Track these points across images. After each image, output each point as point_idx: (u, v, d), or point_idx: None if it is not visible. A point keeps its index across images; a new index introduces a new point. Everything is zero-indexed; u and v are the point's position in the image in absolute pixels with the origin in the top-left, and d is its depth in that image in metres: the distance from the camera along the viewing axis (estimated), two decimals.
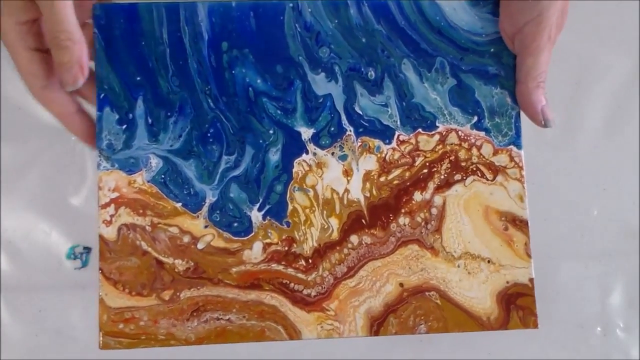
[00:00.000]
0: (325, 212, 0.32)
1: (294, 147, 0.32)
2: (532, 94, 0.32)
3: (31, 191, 0.43)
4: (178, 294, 0.31)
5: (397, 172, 0.33)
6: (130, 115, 0.32)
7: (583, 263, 0.45)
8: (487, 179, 0.33)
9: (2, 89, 0.43)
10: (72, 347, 0.43)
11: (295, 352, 0.43)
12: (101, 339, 0.30)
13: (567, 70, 0.46)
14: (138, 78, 0.32)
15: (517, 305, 0.32)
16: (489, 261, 0.32)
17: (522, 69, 0.32)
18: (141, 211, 0.31)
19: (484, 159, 0.33)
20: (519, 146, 0.33)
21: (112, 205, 0.31)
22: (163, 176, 0.32)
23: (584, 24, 0.46)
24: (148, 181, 0.32)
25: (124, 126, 0.32)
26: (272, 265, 0.32)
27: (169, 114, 0.32)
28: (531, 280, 0.32)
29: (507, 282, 0.32)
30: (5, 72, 0.43)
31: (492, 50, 0.33)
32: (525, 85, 0.32)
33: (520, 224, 0.33)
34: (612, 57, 0.46)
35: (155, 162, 0.32)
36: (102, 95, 0.31)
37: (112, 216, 0.31)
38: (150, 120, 0.32)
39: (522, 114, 0.34)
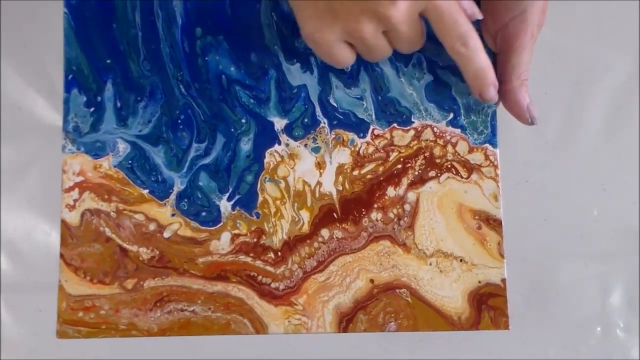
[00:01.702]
0: (296, 204, 0.37)
1: (267, 137, 0.37)
2: (518, 92, 0.37)
3: (31, 191, 0.50)
4: (141, 283, 0.36)
5: (370, 166, 0.38)
6: (99, 98, 0.37)
7: (583, 263, 0.51)
8: (462, 177, 0.38)
9: (2, 89, 0.50)
10: (72, 346, 0.49)
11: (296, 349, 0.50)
12: (59, 327, 0.35)
13: (567, 70, 0.52)
14: (108, 61, 0.37)
15: (488, 306, 0.37)
16: (461, 260, 0.37)
17: (506, 67, 0.37)
18: (106, 197, 0.36)
19: (459, 157, 0.38)
20: (494, 145, 0.38)
21: (76, 190, 0.36)
22: (130, 162, 0.36)
23: (584, 24, 0.53)
24: (114, 166, 0.36)
25: (92, 109, 0.36)
26: (240, 256, 0.37)
27: (138, 98, 0.37)
28: (503, 280, 0.37)
29: (480, 282, 0.37)
30: (5, 72, 0.50)
31: None
32: (510, 83, 0.37)
33: (494, 223, 0.38)
34: (612, 57, 0.53)
35: (122, 147, 0.36)
36: (70, 76, 0.36)
37: (75, 201, 0.36)
38: (119, 104, 0.37)
39: (497, 112, 0.39)
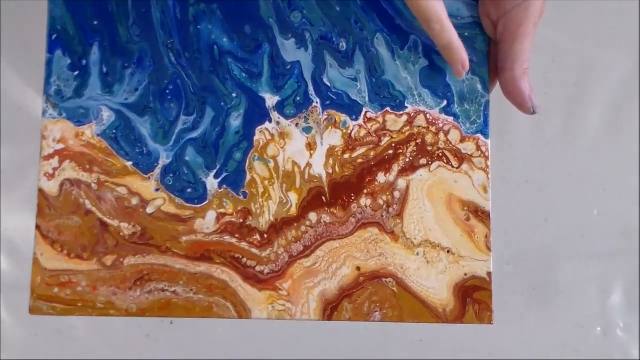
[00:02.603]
0: (285, 185, 0.43)
1: (257, 113, 0.43)
2: (520, 81, 0.44)
3: (31, 191, 0.56)
4: (121, 260, 0.41)
5: (362, 150, 0.44)
6: (84, 62, 0.41)
7: (583, 263, 0.61)
8: (453, 166, 0.44)
9: (2, 89, 0.57)
10: (72, 347, 0.57)
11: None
12: (32, 302, 0.39)
13: (567, 70, 0.61)
14: (95, 22, 0.41)
15: (473, 299, 0.44)
16: (448, 251, 0.44)
17: (509, 55, 0.44)
18: (88, 167, 0.41)
19: (450, 145, 0.44)
20: (486, 135, 0.45)
21: (56, 158, 0.41)
22: (114, 131, 0.41)
23: (584, 24, 0.61)
24: (98, 135, 0.41)
25: (76, 72, 0.41)
26: (225, 237, 0.42)
27: (126, 64, 0.42)
28: (489, 274, 0.44)
29: (465, 275, 0.44)
30: (5, 72, 0.56)
31: (466, 34, 0.45)
32: (512, 72, 0.44)
33: (482, 215, 0.44)
34: (612, 57, 0.62)
35: (107, 115, 0.41)
36: (54, 36, 0.41)
37: (55, 169, 0.40)
38: (105, 69, 0.41)
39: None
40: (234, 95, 0.43)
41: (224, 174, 0.43)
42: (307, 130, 0.44)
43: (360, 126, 0.45)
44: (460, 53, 0.43)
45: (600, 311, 0.61)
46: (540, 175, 0.62)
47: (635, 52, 0.62)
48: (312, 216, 0.44)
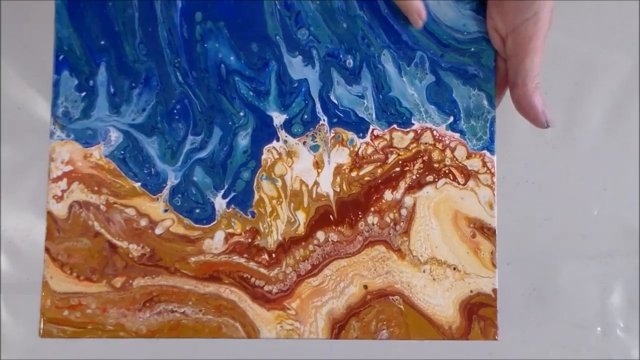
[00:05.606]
0: (292, 204, 0.44)
1: (265, 132, 0.44)
2: (533, 96, 0.45)
3: (31, 191, 0.59)
4: (131, 281, 0.42)
5: (369, 168, 0.45)
6: (91, 82, 0.42)
7: (583, 263, 0.62)
8: (459, 183, 0.46)
9: (2, 89, 0.58)
10: (72, 347, 0.59)
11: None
12: (42, 326, 0.40)
13: (567, 70, 0.62)
14: (102, 42, 0.42)
15: (479, 316, 0.45)
16: (454, 268, 0.45)
17: (520, 71, 0.45)
18: (96, 188, 0.42)
19: (456, 162, 0.46)
20: (492, 151, 0.46)
21: (65, 180, 0.42)
22: (122, 152, 0.42)
23: (584, 24, 0.63)
24: (106, 156, 0.42)
25: (83, 93, 0.42)
26: (234, 257, 0.43)
27: (133, 84, 0.43)
28: (494, 290, 0.45)
29: (471, 291, 0.45)
30: (5, 72, 0.58)
31: (472, 49, 0.46)
32: (525, 87, 0.45)
33: (488, 232, 0.46)
34: (612, 57, 0.63)
35: (114, 136, 0.42)
36: (61, 57, 0.42)
37: (63, 191, 0.41)
38: (112, 90, 0.42)
39: (496, 113, 0.47)
40: (241, 114, 0.44)
41: (232, 194, 0.44)
42: (315, 148, 0.45)
43: (367, 144, 0.46)
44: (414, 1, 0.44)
45: (600, 311, 0.63)
46: (540, 175, 0.63)
47: (635, 52, 0.64)
48: (320, 235, 0.45)
